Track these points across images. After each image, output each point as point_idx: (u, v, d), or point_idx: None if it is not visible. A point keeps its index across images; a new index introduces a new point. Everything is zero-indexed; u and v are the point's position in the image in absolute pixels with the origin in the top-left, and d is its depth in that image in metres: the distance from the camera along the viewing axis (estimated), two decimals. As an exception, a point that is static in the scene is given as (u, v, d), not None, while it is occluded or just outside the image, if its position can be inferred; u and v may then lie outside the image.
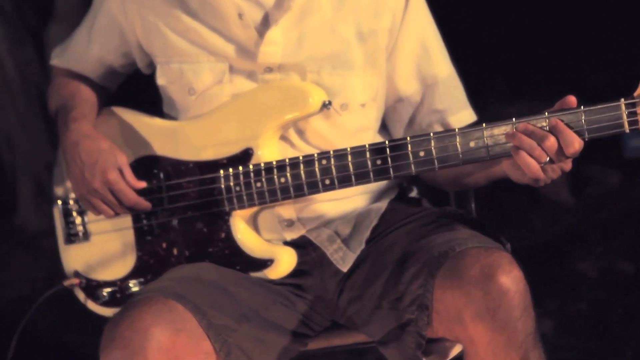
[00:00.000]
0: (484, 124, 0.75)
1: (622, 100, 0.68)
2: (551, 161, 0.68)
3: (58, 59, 1.00)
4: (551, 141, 0.66)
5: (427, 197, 0.98)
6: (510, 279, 0.66)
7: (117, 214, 0.84)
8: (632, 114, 0.68)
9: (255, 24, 0.82)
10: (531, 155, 0.66)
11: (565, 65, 2.35)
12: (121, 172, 0.82)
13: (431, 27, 0.90)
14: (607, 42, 2.36)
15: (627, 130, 0.69)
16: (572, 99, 0.69)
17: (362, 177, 0.78)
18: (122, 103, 0.98)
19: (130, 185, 0.82)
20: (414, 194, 0.96)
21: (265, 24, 0.82)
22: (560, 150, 0.67)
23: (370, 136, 0.88)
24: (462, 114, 0.89)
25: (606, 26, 2.36)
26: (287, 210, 0.84)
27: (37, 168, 2.34)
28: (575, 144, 0.67)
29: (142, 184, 0.83)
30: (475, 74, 1.44)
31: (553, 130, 0.67)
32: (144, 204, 0.83)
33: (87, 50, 0.95)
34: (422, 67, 0.88)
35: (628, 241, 2.07)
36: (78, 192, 0.85)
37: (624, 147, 2.26)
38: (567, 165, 0.71)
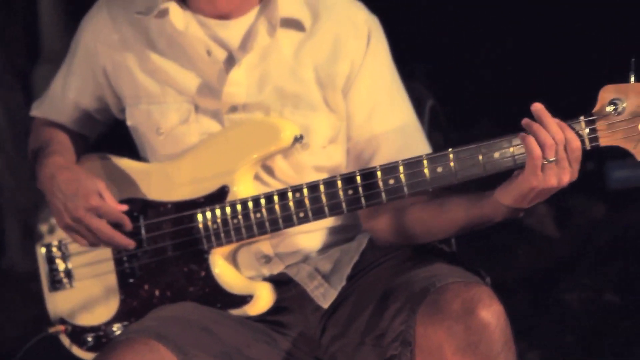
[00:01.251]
0: (449, 149, 0.77)
1: (582, 117, 0.68)
2: (554, 161, 0.66)
3: (37, 110, 1.02)
4: (560, 135, 0.65)
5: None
6: (491, 313, 0.66)
7: (104, 242, 0.84)
8: (592, 131, 0.68)
9: (222, 63, 0.84)
10: (541, 146, 0.65)
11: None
12: (101, 196, 0.82)
13: (389, 75, 0.90)
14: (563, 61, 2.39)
15: (588, 148, 0.69)
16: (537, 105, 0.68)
17: (335, 208, 0.79)
18: (105, 150, 0.99)
19: (113, 208, 0.82)
20: None
21: (230, 64, 0.85)
22: (564, 150, 0.66)
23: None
24: None
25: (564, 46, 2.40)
26: (264, 246, 0.85)
27: (25, 210, 2.34)
28: (578, 142, 0.66)
29: (125, 207, 0.84)
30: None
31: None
32: (129, 224, 0.84)
33: (63, 96, 0.97)
34: (373, 116, 0.87)
35: (614, 272, 2.07)
36: (62, 224, 0.85)
37: (608, 178, 2.26)
38: (565, 175, 0.68)
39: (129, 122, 0.91)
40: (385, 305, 0.75)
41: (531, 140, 0.66)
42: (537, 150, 0.65)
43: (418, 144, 0.88)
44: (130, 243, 0.83)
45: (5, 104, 2.28)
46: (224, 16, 0.85)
